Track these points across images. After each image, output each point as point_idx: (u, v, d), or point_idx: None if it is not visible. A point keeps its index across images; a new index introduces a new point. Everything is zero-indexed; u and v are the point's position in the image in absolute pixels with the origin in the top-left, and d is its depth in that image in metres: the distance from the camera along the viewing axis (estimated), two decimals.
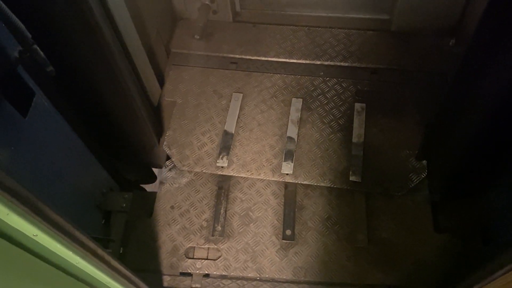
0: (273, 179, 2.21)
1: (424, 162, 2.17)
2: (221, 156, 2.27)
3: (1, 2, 1.22)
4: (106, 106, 1.90)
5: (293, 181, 2.19)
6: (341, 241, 2.06)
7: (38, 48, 1.35)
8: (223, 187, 2.21)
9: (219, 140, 2.32)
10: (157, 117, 2.36)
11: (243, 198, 2.19)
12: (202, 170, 2.25)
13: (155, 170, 2.56)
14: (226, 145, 2.30)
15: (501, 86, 1.50)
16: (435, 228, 2.07)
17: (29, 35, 1.32)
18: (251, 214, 2.15)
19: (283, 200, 2.17)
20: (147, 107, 2.16)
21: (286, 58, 2.55)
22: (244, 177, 2.23)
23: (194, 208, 2.18)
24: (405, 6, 2.45)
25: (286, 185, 2.20)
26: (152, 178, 2.62)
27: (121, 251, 2.07)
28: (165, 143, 2.33)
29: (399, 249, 2.03)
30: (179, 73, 2.55)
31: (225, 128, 2.35)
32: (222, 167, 2.24)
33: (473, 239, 2.00)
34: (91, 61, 1.68)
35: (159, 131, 2.34)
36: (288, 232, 2.09)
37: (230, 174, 2.23)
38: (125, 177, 2.55)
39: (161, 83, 2.48)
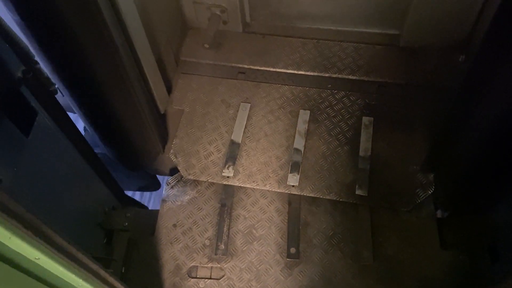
0: (278, 190, 2.19)
1: (431, 177, 2.15)
2: (227, 166, 2.26)
3: (5, 22, 1.23)
4: (113, 111, 1.90)
5: (299, 193, 2.18)
6: (346, 258, 2.03)
7: (41, 67, 1.36)
8: (226, 204, 2.19)
9: (225, 150, 2.31)
10: (164, 125, 2.37)
11: (247, 216, 2.17)
12: (207, 180, 2.24)
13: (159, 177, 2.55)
14: (232, 155, 2.29)
15: (505, 102, 1.49)
16: (441, 244, 2.04)
17: (33, 55, 1.33)
18: (255, 232, 2.13)
19: (287, 217, 2.15)
20: (154, 114, 2.17)
21: (294, 70, 2.55)
22: (248, 191, 2.22)
23: (196, 226, 2.16)
24: (415, 21, 2.46)
25: (290, 201, 2.19)
26: (156, 186, 2.61)
27: (123, 271, 2.04)
28: (171, 151, 2.32)
29: (405, 266, 2.00)
30: (187, 82, 2.56)
31: (232, 137, 2.34)
32: (228, 177, 2.23)
33: (481, 256, 1.97)
34: (101, 67, 1.68)
35: (165, 138, 2.34)
36: (293, 250, 2.06)
37: (235, 184, 2.22)
38: (129, 186, 2.55)
39: (170, 91, 2.49)
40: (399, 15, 2.51)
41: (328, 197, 2.16)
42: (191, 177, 2.25)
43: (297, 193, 2.18)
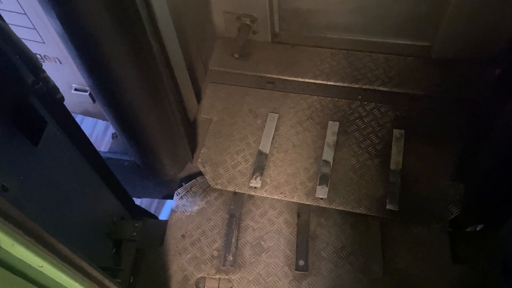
0: (307, 202, 2.16)
1: (462, 191, 2.10)
2: (254, 177, 2.24)
3: (13, 33, 1.25)
4: (145, 118, 1.90)
5: (327, 206, 2.14)
6: (355, 272, 1.99)
7: (48, 76, 1.37)
8: (234, 215, 2.17)
9: (253, 160, 2.30)
10: (192, 133, 2.37)
11: (255, 227, 2.15)
12: (235, 190, 2.22)
13: None
14: (260, 165, 2.27)
15: None
16: (453, 258, 1.99)
17: (40, 64, 1.34)
18: (263, 243, 2.10)
19: (296, 229, 2.12)
20: (184, 122, 2.17)
21: (323, 80, 2.53)
22: (257, 202, 2.21)
23: (205, 237, 2.15)
24: (448, 33, 2.41)
25: (299, 213, 2.16)
26: None
27: (131, 281, 2.04)
28: (199, 160, 2.32)
29: (415, 281, 1.95)
30: (216, 91, 2.56)
31: (260, 148, 2.33)
32: (255, 187, 2.21)
33: (494, 271, 1.89)
34: (135, 74, 1.68)
35: (194, 148, 2.34)
36: (301, 262, 2.03)
37: (263, 195, 2.20)
38: (154, 194, 2.54)
39: (198, 99, 2.49)
40: (431, 26, 2.47)
41: (357, 211, 2.12)
42: (218, 186, 2.24)
43: (326, 206, 2.14)
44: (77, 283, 1.09)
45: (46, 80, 1.34)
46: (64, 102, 1.65)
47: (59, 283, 1.06)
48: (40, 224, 0.96)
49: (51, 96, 1.40)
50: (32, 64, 1.29)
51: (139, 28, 1.48)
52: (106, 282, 1.23)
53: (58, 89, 1.42)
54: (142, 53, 1.57)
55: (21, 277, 0.96)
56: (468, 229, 2.14)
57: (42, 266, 0.98)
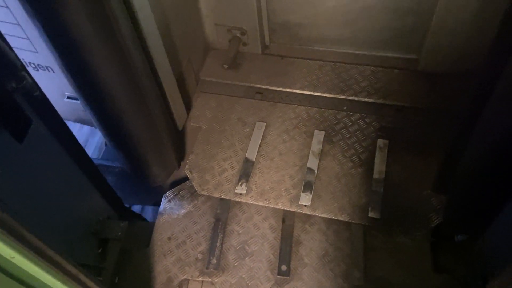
0: (290, 209, 2.20)
1: (444, 201, 2.12)
2: (240, 183, 2.29)
3: None
4: (131, 126, 1.95)
5: (311, 213, 2.18)
6: (337, 278, 2.02)
7: (26, 74, 1.43)
8: (220, 219, 2.21)
9: (239, 167, 2.35)
10: (181, 141, 2.43)
11: (240, 231, 2.18)
12: (220, 196, 2.27)
13: None
14: (246, 172, 2.32)
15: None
16: (434, 267, 2.00)
17: (19, 63, 1.39)
18: (247, 247, 2.14)
19: (280, 235, 2.15)
20: (172, 130, 2.23)
21: (311, 91, 2.59)
22: (243, 207, 2.24)
23: (190, 240, 2.19)
24: (433, 46, 2.47)
25: (284, 219, 2.19)
26: None
27: (116, 281, 2.07)
28: (186, 166, 2.38)
29: None
30: (206, 100, 2.64)
31: (247, 155, 2.38)
32: (240, 194, 2.26)
33: (474, 281, 1.91)
34: (119, 84, 1.72)
35: (182, 155, 2.40)
36: (284, 267, 2.06)
37: (248, 202, 2.24)
38: (146, 201, 2.59)
39: (189, 108, 2.56)
40: (417, 40, 2.53)
41: (340, 218, 2.15)
42: (204, 192, 2.29)
43: (309, 213, 2.18)
44: (50, 276, 1.13)
45: (24, 78, 1.41)
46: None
47: (31, 275, 1.09)
48: (18, 218, 1.01)
49: (30, 93, 1.46)
50: (11, 62, 1.36)
51: (120, 39, 1.55)
52: (82, 276, 1.27)
53: (36, 87, 1.48)
54: (126, 65, 1.64)
55: None
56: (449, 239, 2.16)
57: (14, 258, 1.01)
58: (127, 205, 2.45)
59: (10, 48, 1.39)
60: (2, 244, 0.97)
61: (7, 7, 1.76)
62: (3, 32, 1.42)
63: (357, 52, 2.69)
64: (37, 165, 1.59)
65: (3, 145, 1.38)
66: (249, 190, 2.27)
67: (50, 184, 1.68)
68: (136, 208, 3.02)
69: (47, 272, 1.12)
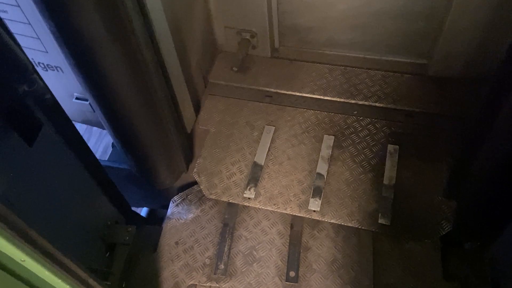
0: (299, 214, 2.18)
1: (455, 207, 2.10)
2: (248, 187, 2.27)
3: (6, 35, 1.30)
4: (140, 128, 1.94)
5: (320, 219, 2.15)
6: (345, 285, 1.99)
7: (37, 77, 1.42)
8: (228, 224, 2.19)
9: (248, 171, 2.33)
10: (189, 144, 2.41)
11: (248, 237, 2.16)
12: (229, 200, 2.25)
13: None
14: (254, 176, 2.30)
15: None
16: (444, 275, 1.98)
17: (31, 65, 1.39)
18: (255, 253, 2.12)
19: (288, 240, 2.13)
20: (180, 133, 2.22)
21: (320, 95, 2.57)
22: (251, 212, 2.21)
23: (198, 244, 2.17)
24: (444, 52, 2.45)
25: (292, 225, 2.17)
26: None
27: (124, 285, 2.06)
28: (194, 170, 2.36)
29: None
30: (214, 103, 2.62)
31: (255, 159, 2.36)
32: (249, 198, 2.24)
33: None
34: (130, 85, 1.71)
35: (190, 158, 2.38)
36: (292, 273, 2.03)
37: (256, 206, 2.22)
38: (154, 204, 2.57)
39: (197, 111, 2.55)
40: (428, 45, 2.51)
41: (350, 224, 2.13)
42: (212, 196, 2.27)
43: (318, 219, 2.16)
44: (59, 280, 1.12)
45: (35, 81, 1.40)
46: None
47: (41, 279, 1.09)
48: (28, 221, 1.00)
49: (41, 96, 1.45)
50: (23, 64, 1.35)
51: (134, 41, 1.54)
52: (90, 281, 1.26)
53: (47, 90, 1.47)
54: (138, 66, 1.63)
55: (4, 270, 0.99)
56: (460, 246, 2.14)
57: (24, 261, 1.00)
58: (134, 209, 2.43)
59: (22, 51, 1.37)
60: (13, 247, 0.96)
61: (18, 6, 1.75)
62: (13, 31, 1.41)
63: (367, 56, 2.67)
64: (47, 168, 1.58)
65: (13, 148, 1.38)
66: (257, 194, 2.25)
67: (59, 187, 1.67)
68: (142, 210, 3.01)
69: (57, 275, 1.11)
